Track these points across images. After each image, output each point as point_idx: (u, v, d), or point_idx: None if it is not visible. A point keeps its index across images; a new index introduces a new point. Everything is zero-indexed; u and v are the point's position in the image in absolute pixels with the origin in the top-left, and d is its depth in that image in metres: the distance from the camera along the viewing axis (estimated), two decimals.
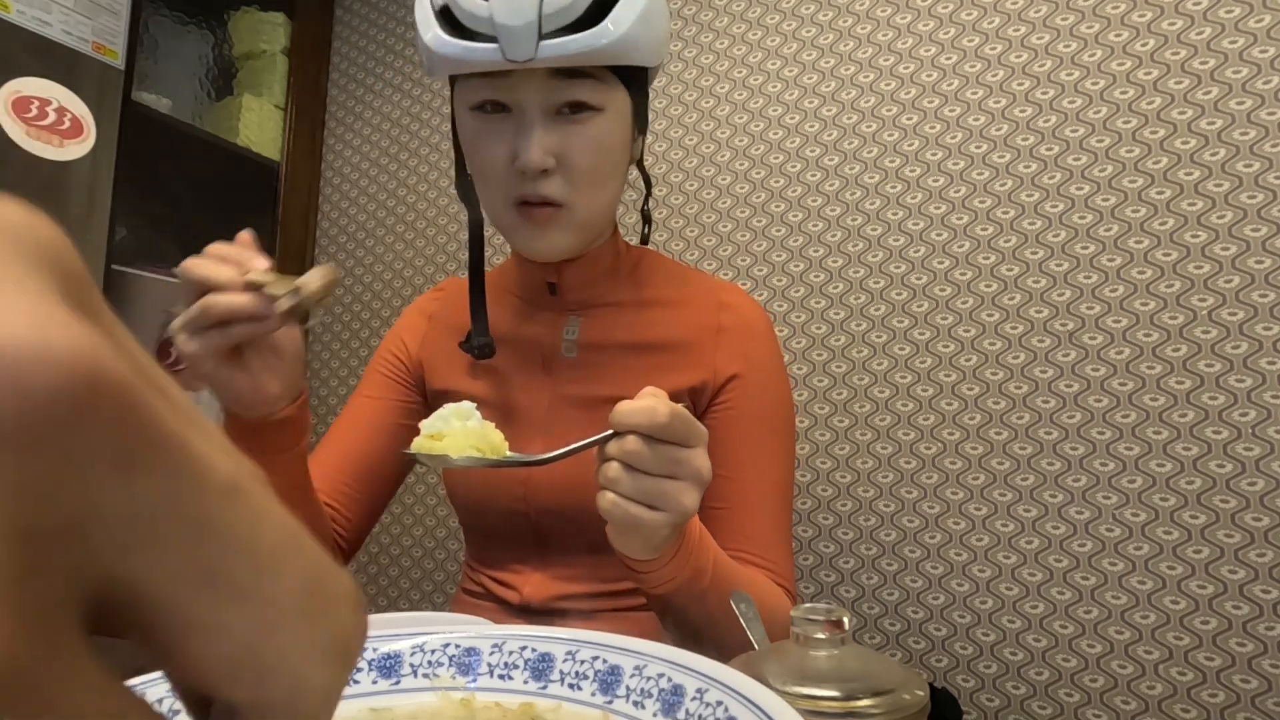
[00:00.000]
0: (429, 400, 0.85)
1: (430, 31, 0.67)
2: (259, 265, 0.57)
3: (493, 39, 0.63)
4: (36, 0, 1.16)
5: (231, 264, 0.56)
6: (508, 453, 0.54)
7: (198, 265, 0.56)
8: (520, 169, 0.67)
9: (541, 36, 0.62)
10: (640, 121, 0.75)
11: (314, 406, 1.83)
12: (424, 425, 0.53)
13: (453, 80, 0.73)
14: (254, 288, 0.56)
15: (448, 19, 0.67)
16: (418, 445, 0.52)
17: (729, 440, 0.74)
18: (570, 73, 0.66)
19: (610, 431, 0.51)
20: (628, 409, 0.50)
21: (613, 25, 0.64)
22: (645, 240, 0.81)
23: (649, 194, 0.82)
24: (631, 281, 0.81)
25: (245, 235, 0.60)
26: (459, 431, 0.52)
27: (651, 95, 1.01)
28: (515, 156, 0.67)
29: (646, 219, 0.81)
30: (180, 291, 0.58)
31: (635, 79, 0.71)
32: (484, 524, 0.80)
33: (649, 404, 0.50)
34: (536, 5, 0.62)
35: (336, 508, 0.79)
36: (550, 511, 0.75)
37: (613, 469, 0.51)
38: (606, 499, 0.51)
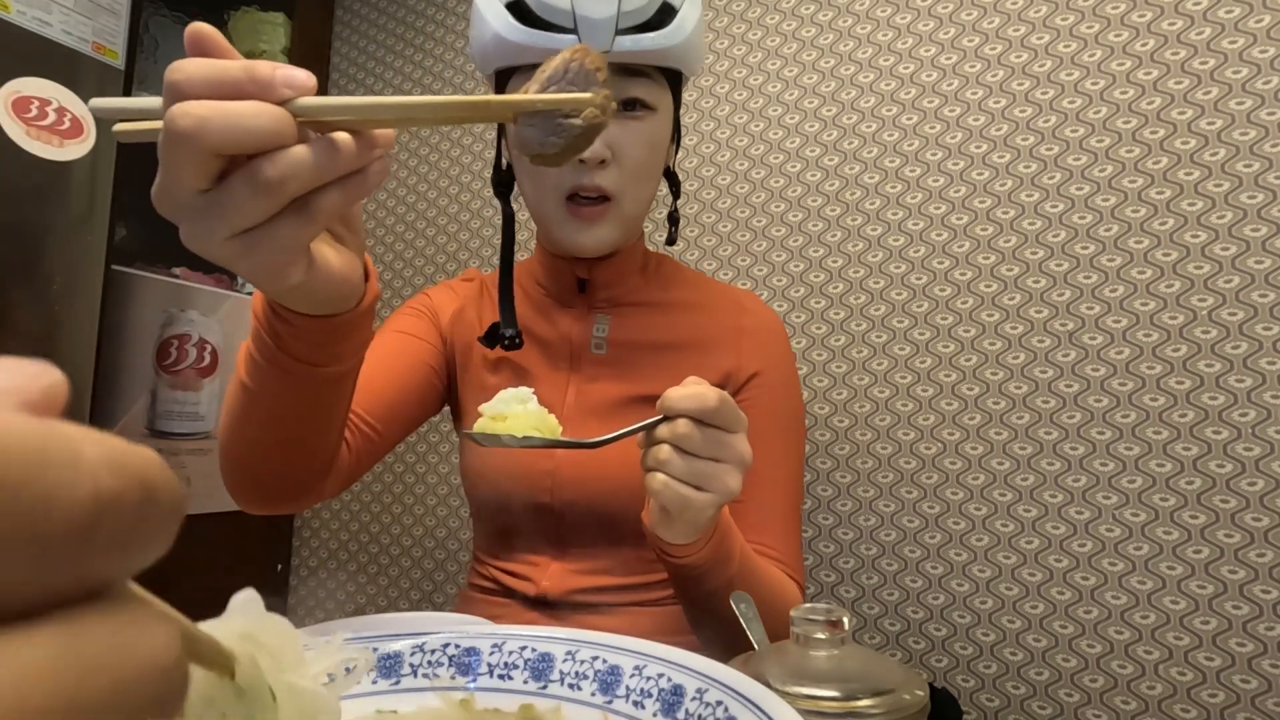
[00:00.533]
0: (454, 384, 0.85)
1: (501, 21, 0.69)
2: (301, 82, 0.34)
3: (569, 30, 0.67)
4: (36, 0, 1.16)
5: (253, 95, 0.34)
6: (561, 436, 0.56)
7: (216, 114, 0.33)
8: (580, 158, 0.70)
9: (617, 32, 0.66)
10: (676, 129, 0.79)
11: None
12: (485, 408, 0.55)
13: (502, 75, 0.74)
14: (318, 127, 0.35)
15: (518, 10, 0.69)
16: (480, 426, 0.54)
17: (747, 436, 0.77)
18: (631, 71, 0.70)
19: (660, 416, 0.54)
20: (679, 394, 0.53)
21: (678, 29, 0.69)
22: (672, 240, 0.84)
23: (677, 198, 0.85)
24: (656, 282, 0.84)
25: (206, 32, 0.37)
26: (519, 414, 0.54)
27: None
28: None
29: (674, 221, 0.84)
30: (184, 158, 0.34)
31: (678, 85, 0.75)
32: (504, 515, 0.80)
33: (698, 389, 0.53)
34: (617, 2, 0.66)
35: (372, 424, 0.72)
36: (576, 504, 0.76)
37: (664, 451, 0.53)
38: (658, 480, 0.53)
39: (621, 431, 0.55)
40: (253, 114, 0.33)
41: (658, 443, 0.54)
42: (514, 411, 0.54)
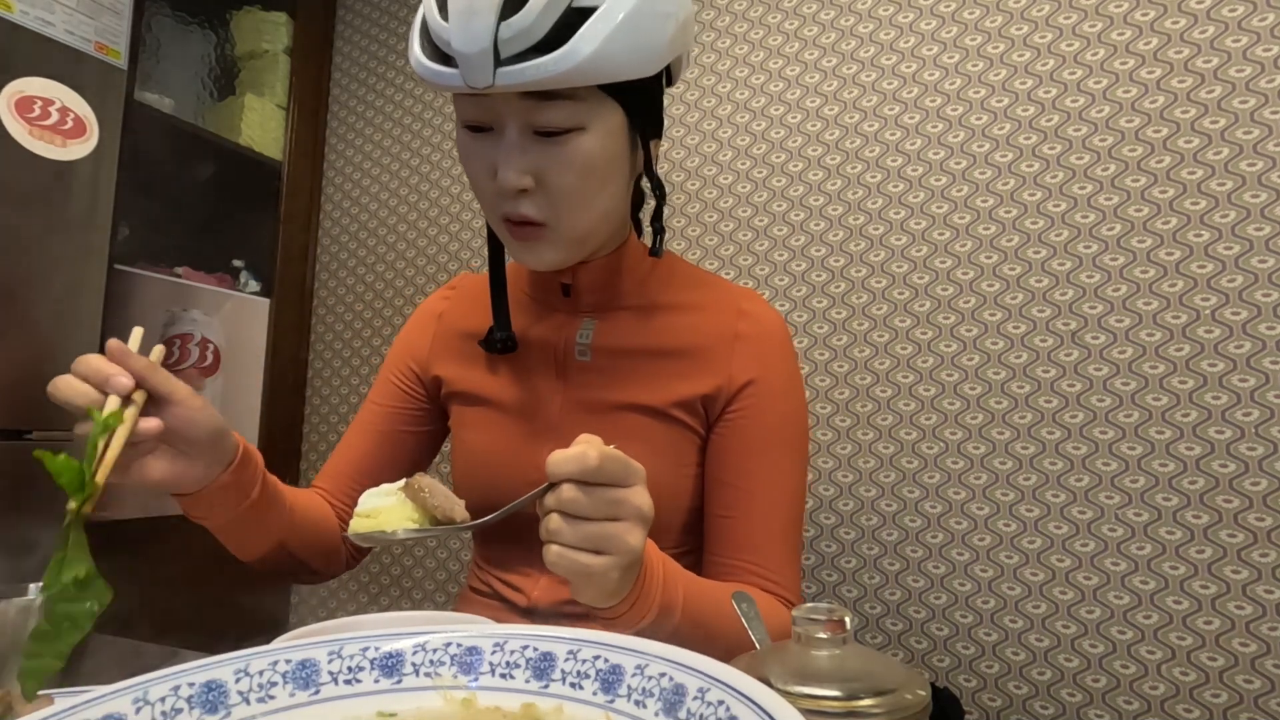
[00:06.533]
0: (441, 401, 0.84)
1: (412, 48, 0.66)
2: (120, 386, 0.54)
3: (454, 65, 0.61)
4: (39, 0, 1.16)
5: (94, 383, 0.54)
6: (461, 515, 0.54)
7: (60, 388, 0.54)
8: (498, 189, 0.66)
9: (501, 62, 0.59)
10: (649, 130, 0.72)
11: (317, 406, 1.83)
12: (359, 508, 0.53)
13: None
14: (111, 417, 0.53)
15: (426, 37, 0.65)
16: (354, 527, 0.52)
17: (739, 449, 0.74)
18: (544, 94, 0.63)
19: (547, 484, 0.51)
20: (559, 458, 0.50)
21: (577, 47, 0.59)
22: (656, 252, 0.78)
23: (661, 204, 0.77)
24: (649, 286, 0.80)
25: (113, 344, 0.56)
26: (390, 507, 0.52)
27: None
28: (495, 174, 0.66)
29: (658, 230, 0.78)
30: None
31: (629, 90, 0.67)
32: (495, 526, 0.79)
33: (579, 450, 0.50)
34: (491, 32, 0.58)
35: (343, 510, 0.81)
36: None
37: (553, 520, 0.51)
38: (552, 551, 0.51)
39: (508, 508, 0.52)
40: (78, 397, 0.53)
41: (549, 511, 0.51)
42: (385, 505, 0.52)
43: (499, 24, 0.59)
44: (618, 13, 0.60)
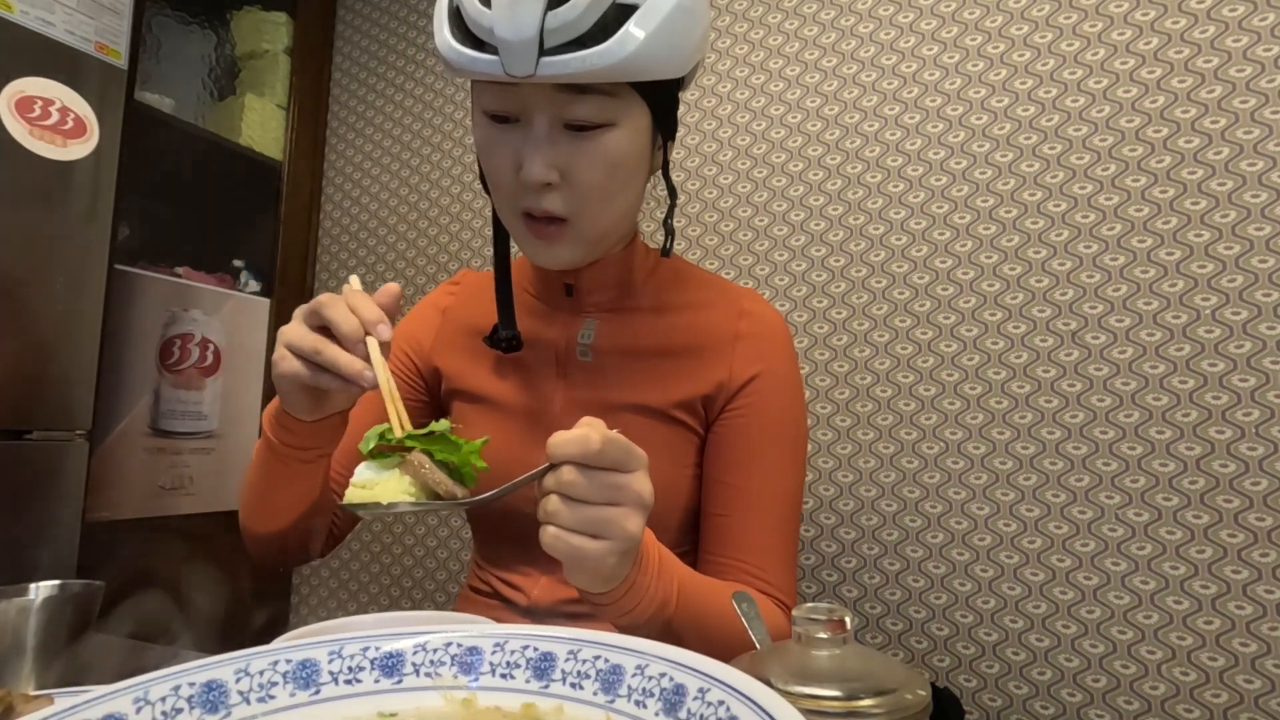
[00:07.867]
0: (441, 398, 0.84)
1: (441, 34, 0.65)
2: (382, 335, 0.58)
3: (493, 51, 0.61)
4: (39, 0, 1.16)
5: (358, 320, 0.58)
6: (463, 492, 0.53)
7: (332, 307, 0.58)
8: (523, 182, 0.65)
9: (544, 52, 0.59)
10: (665, 131, 0.73)
11: None
12: (355, 479, 0.52)
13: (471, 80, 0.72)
14: (364, 354, 0.58)
15: (458, 23, 0.64)
16: (350, 496, 0.51)
17: (737, 448, 0.73)
18: (579, 88, 0.63)
19: (547, 465, 0.51)
20: (561, 439, 0.50)
21: (622, 42, 0.59)
22: (666, 253, 0.78)
23: (673, 205, 0.77)
24: (651, 286, 0.80)
25: (393, 288, 0.61)
26: (390, 479, 0.51)
27: None
28: (520, 167, 0.65)
29: (669, 232, 0.77)
30: (305, 314, 0.59)
31: (657, 89, 0.67)
32: (495, 525, 0.79)
33: (581, 433, 0.50)
34: (538, 20, 0.58)
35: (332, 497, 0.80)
36: None
37: (552, 502, 0.50)
38: (548, 533, 0.51)
39: (506, 486, 0.52)
40: (347, 321, 0.58)
41: (548, 493, 0.51)
42: (382, 478, 0.52)
43: (546, 13, 0.59)
44: (660, 11, 0.61)
